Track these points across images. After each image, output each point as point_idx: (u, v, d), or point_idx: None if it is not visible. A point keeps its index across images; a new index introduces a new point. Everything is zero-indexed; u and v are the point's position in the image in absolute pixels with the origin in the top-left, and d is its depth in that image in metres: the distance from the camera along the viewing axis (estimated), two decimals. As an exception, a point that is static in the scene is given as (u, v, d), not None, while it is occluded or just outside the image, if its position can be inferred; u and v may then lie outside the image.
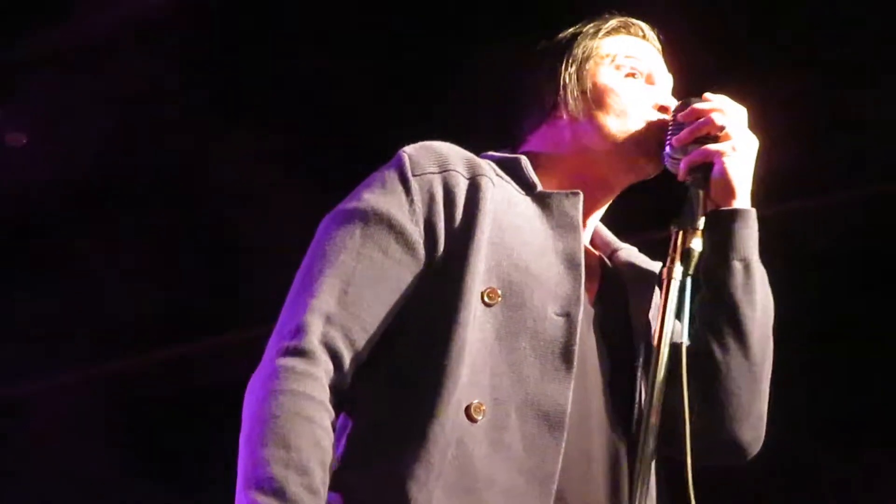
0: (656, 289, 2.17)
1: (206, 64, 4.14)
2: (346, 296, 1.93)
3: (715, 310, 2.04)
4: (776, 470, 4.11)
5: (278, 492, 1.79)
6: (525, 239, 2.02)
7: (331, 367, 1.91)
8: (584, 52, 2.19)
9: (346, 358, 1.92)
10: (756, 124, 2.12)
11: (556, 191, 2.10)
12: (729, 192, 2.05)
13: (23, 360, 5.02)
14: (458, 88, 3.84)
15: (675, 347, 1.94)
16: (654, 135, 2.13)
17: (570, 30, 2.24)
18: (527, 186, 2.11)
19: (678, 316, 1.95)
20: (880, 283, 4.30)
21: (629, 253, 2.23)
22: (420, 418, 1.87)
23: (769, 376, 2.08)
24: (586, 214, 2.13)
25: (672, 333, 1.96)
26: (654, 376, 1.91)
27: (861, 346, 4.29)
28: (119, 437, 5.09)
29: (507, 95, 2.27)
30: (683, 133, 2.08)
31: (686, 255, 1.97)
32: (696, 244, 1.98)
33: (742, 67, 3.72)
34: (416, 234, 1.98)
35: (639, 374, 2.08)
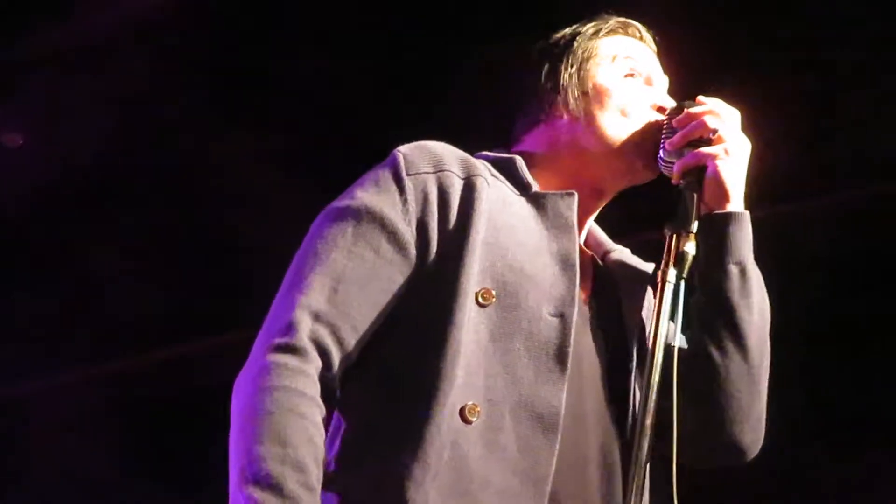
0: (649, 290, 2.17)
1: (205, 64, 4.14)
2: (335, 294, 1.93)
3: (712, 314, 2.04)
4: (776, 470, 4.11)
5: (276, 488, 1.78)
6: (520, 239, 2.02)
7: (320, 364, 1.90)
8: (583, 53, 2.19)
9: (335, 356, 1.92)
10: (753, 125, 2.12)
11: (551, 191, 2.10)
12: (722, 195, 2.05)
13: (23, 360, 5.02)
14: (458, 88, 3.84)
15: (668, 350, 1.94)
16: (651, 138, 2.14)
17: (569, 30, 2.24)
18: (521, 187, 2.11)
19: (672, 319, 1.95)
20: (880, 284, 4.30)
21: (622, 254, 2.23)
22: (415, 420, 1.87)
23: (767, 378, 2.08)
24: (581, 215, 2.13)
25: (666, 336, 1.95)
26: (649, 379, 1.90)
27: (861, 346, 4.29)
28: (119, 436, 5.09)
29: (505, 95, 2.26)
30: (677, 137, 2.09)
31: (680, 258, 1.97)
32: (690, 247, 1.98)
33: (740, 68, 3.72)
34: (409, 233, 1.97)
35: (633, 374, 2.08)
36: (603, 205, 2.22)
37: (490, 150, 2.19)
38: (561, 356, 1.96)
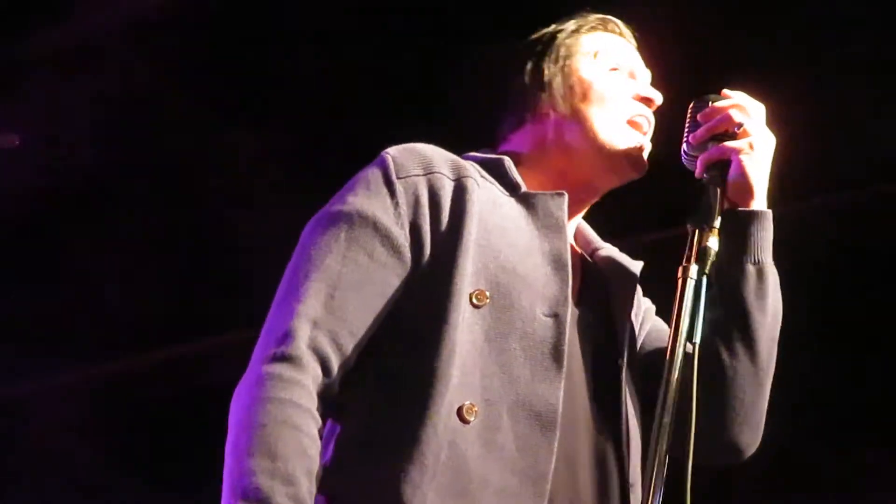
0: (638, 288, 2.18)
1: (205, 64, 4.14)
2: (332, 300, 1.92)
3: (726, 313, 2.03)
4: (776, 470, 4.11)
5: (264, 502, 1.77)
6: (511, 240, 2.02)
7: (319, 372, 1.89)
8: (566, 50, 2.19)
9: (334, 363, 1.91)
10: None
11: (540, 192, 2.09)
12: (746, 191, 2.03)
13: (23, 360, 5.02)
14: (457, 88, 3.84)
15: (688, 348, 1.91)
16: (635, 137, 2.14)
17: (549, 28, 2.24)
18: (511, 187, 2.10)
19: (693, 316, 1.91)
20: (880, 283, 4.30)
21: (610, 252, 2.22)
22: (412, 421, 1.86)
23: (771, 380, 2.08)
24: (570, 214, 2.12)
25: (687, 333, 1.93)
26: (669, 376, 1.87)
27: (861, 345, 4.29)
28: (118, 437, 5.10)
29: (490, 95, 2.26)
30: (701, 130, 2.07)
31: (702, 254, 1.94)
32: (713, 243, 1.95)
33: (739, 68, 3.72)
34: (402, 237, 1.97)
35: (623, 372, 2.07)
36: (591, 203, 2.22)
37: (478, 151, 2.19)
38: (557, 355, 1.96)
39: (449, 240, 1.97)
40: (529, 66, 2.20)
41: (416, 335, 1.93)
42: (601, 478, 1.99)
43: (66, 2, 4.02)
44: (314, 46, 4.06)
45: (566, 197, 2.08)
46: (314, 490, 1.84)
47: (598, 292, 2.12)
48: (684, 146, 2.09)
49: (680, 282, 1.93)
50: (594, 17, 2.25)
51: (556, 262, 2.02)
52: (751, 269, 2.02)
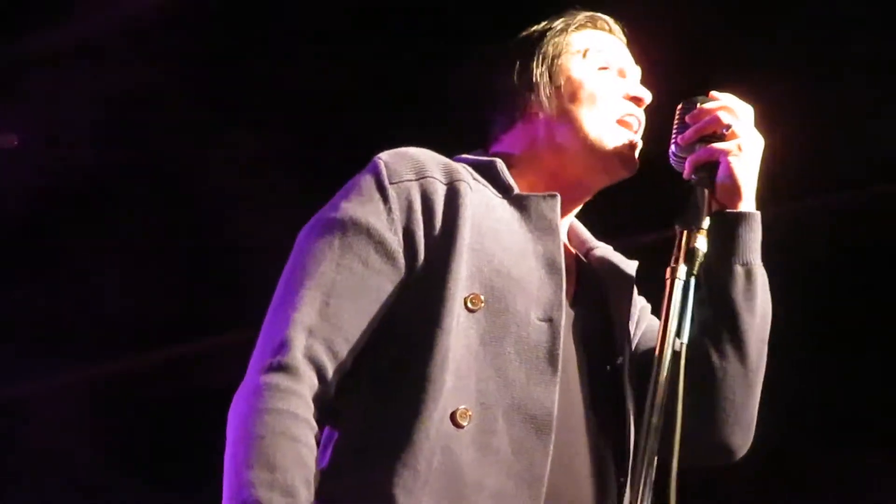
0: (634, 287, 2.18)
1: (205, 64, 4.14)
2: (327, 308, 1.92)
3: (714, 314, 2.03)
4: (776, 470, 4.11)
5: None
6: (505, 244, 2.01)
7: (315, 381, 1.90)
8: (554, 48, 2.19)
9: (330, 370, 1.91)
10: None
11: (533, 193, 2.09)
12: (735, 192, 2.04)
13: (23, 360, 5.02)
14: (457, 88, 3.84)
15: (675, 349, 1.92)
16: (626, 135, 2.14)
17: (538, 27, 2.23)
18: (503, 189, 2.10)
19: (681, 316, 1.92)
20: (880, 283, 4.30)
21: (605, 251, 2.22)
22: (405, 426, 1.86)
23: (761, 381, 2.07)
24: (562, 214, 2.11)
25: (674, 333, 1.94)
26: (657, 376, 1.88)
27: (861, 345, 4.29)
28: (118, 436, 5.09)
29: (480, 95, 2.25)
30: (689, 132, 2.07)
31: (690, 255, 1.95)
32: (701, 244, 1.96)
33: (738, 68, 3.72)
34: (396, 242, 1.97)
35: (621, 373, 2.07)
36: (583, 203, 2.21)
37: (469, 152, 2.18)
38: (551, 359, 1.95)
39: (442, 244, 1.96)
40: (518, 65, 2.19)
41: (410, 340, 1.92)
42: (600, 480, 1.99)
43: (66, 2, 4.02)
44: (314, 47, 4.06)
45: (559, 198, 2.08)
46: (312, 499, 1.84)
47: (593, 293, 2.12)
48: (672, 147, 2.10)
49: (668, 282, 1.94)
50: (583, 15, 2.24)
51: (550, 266, 2.02)
52: (739, 270, 2.03)
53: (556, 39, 2.20)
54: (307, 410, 1.87)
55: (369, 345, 1.95)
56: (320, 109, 4.19)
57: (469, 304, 1.94)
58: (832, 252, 4.26)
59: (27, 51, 4.12)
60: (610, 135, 2.13)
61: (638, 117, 2.18)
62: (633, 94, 2.17)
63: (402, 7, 3.94)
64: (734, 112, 2.06)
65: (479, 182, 2.08)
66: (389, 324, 1.95)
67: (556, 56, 2.18)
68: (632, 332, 2.17)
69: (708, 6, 3.76)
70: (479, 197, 2.04)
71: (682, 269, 1.94)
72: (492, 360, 1.94)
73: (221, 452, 1.89)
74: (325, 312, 1.92)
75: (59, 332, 4.98)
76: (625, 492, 2.00)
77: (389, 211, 1.97)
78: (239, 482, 1.81)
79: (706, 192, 2.02)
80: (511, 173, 2.12)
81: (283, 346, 1.89)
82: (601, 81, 2.16)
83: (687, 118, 2.09)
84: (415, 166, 2.02)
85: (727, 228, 2.03)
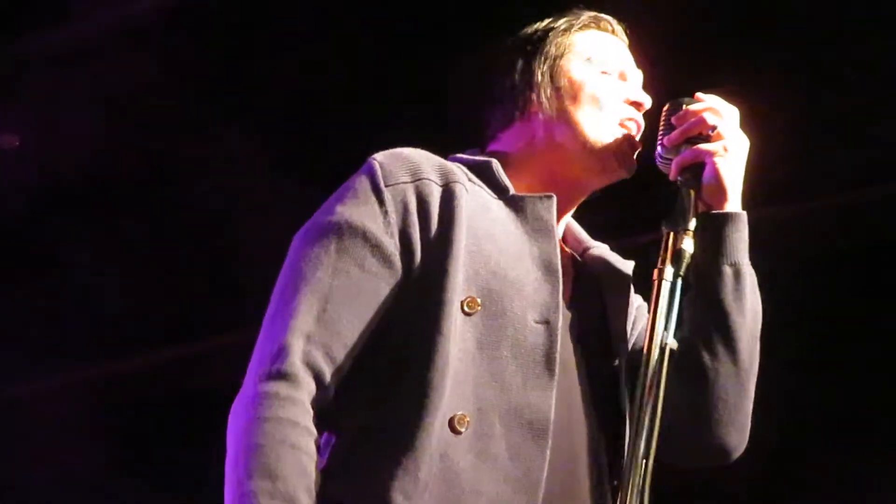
0: (631, 288, 2.17)
1: (205, 65, 4.14)
2: (324, 313, 1.91)
3: (704, 315, 2.03)
4: (776, 470, 4.11)
5: None
6: (501, 246, 2.00)
7: (314, 387, 1.89)
8: (557, 49, 2.18)
9: (329, 376, 1.90)
10: (750, 124, 2.11)
11: (529, 194, 2.08)
12: (721, 193, 2.04)
13: (23, 360, 5.02)
14: (455, 88, 3.84)
15: (662, 349, 1.92)
16: (625, 136, 2.14)
17: (541, 25, 2.22)
18: (499, 190, 2.09)
19: (668, 317, 1.93)
20: (880, 283, 4.30)
21: (601, 251, 2.21)
22: (406, 433, 1.85)
23: (755, 380, 2.07)
24: (559, 214, 2.11)
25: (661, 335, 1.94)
26: (644, 378, 1.89)
27: (861, 345, 4.29)
28: (118, 437, 5.09)
29: (479, 93, 2.24)
30: (675, 133, 2.08)
31: (677, 256, 1.96)
32: (688, 245, 1.97)
33: (738, 67, 3.72)
34: (392, 245, 1.96)
35: (619, 374, 2.07)
36: (580, 202, 2.21)
37: (465, 151, 2.18)
38: (548, 362, 1.95)
39: (438, 247, 1.95)
40: (520, 64, 2.18)
41: (408, 345, 1.91)
42: (598, 484, 1.99)
43: (66, 1, 4.02)
44: (314, 47, 4.05)
45: (554, 199, 2.07)
46: None
47: (591, 294, 2.12)
48: (659, 149, 2.10)
49: (655, 284, 1.94)
50: (587, 15, 2.23)
51: (547, 267, 2.01)
52: (727, 270, 2.03)
53: (560, 39, 2.19)
54: (307, 417, 1.86)
55: (368, 349, 1.93)
56: (320, 109, 4.19)
57: (465, 308, 1.94)
58: (833, 252, 4.26)
59: (27, 51, 4.12)
60: (610, 136, 2.13)
61: (638, 121, 2.18)
62: (633, 98, 2.17)
63: (404, 7, 3.94)
64: (719, 113, 2.07)
65: (474, 183, 2.07)
66: (387, 327, 1.94)
67: (558, 56, 2.17)
68: (629, 332, 2.17)
69: (708, 4, 3.76)
70: (474, 198, 2.03)
71: (668, 271, 1.95)
72: (488, 364, 1.93)
73: (221, 453, 1.89)
74: (323, 318, 1.91)
75: (59, 332, 4.98)
76: (627, 493, 2.00)
77: (385, 214, 1.97)
78: (240, 492, 1.80)
79: (692, 193, 2.03)
80: (508, 172, 2.11)
81: (280, 353, 1.88)
82: (603, 84, 2.16)
83: (673, 120, 2.09)
84: (410, 168, 2.01)
85: (714, 229, 2.03)
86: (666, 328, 1.91)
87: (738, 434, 2.07)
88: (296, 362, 1.87)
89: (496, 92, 2.21)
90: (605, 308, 2.11)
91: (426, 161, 2.04)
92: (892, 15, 3.75)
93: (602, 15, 2.25)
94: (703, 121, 2.06)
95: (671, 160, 2.08)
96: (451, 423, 1.88)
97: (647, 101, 2.19)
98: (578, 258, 2.19)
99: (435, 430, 1.85)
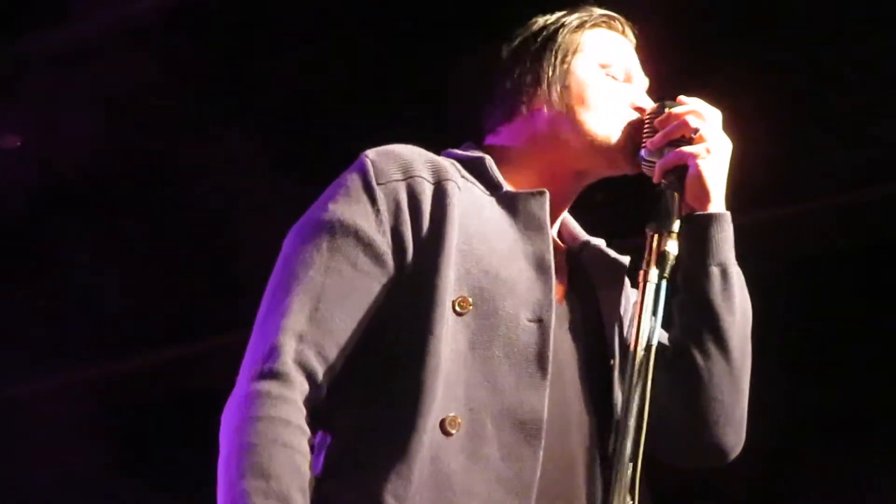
0: (626, 282, 2.16)
1: (205, 65, 4.15)
2: (317, 312, 1.90)
3: (694, 316, 2.03)
4: (776, 470, 4.11)
5: None
6: (493, 244, 1.99)
7: (306, 386, 1.88)
8: (566, 46, 2.17)
9: (322, 376, 1.89)
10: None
11: (521, 191, 2.08)
12: (704, 195, 2.04)
13: (23, 360, 5.02)
14: (455, 88, 3.84)
15: (648, 350, 1.92)
16: (629, 136, 2.13)
17: (551, 20, 2.21)
18: (492, 186, 2.08)
19: (653, 319, 1.92)
20: (880, 283, 4.30)
21: (597, 246, 2.20)
22: (398, 435, 1.85)
23: (749, 379, 2.07)
24: (554, 210, 2.10)
25: (647, 336, 1.93)
26: (630, 379, 1.88)
27: (861, 345, 4.30)
28: (118, 436, 5.10)
29: (480, 86, 2.22)
30: (658, 136, 2.08)
31: (662, 258, 1.96)
32: (672, 247, 1.97)
33: (737, 68, 3.72)
34: (384, 244, 1.95)
35: (614, 372, 2.06)
36: (576, 196, 2.20)
37: (460, 146, 2.17)
38: (541, 361, 1.94)
39: (430, 246, 1.94)
40: (528, 60, 2.17)
41: (400, 345, 1.90)
42: (592, 484, 1.98)
43: (66, 1, 4.02)
44: (314, 47, 4.06)
45: (547, 195, 2.06)
46: None
47: (586, 289, 2.11)
48: (642, 152, 2.11)
49: (640, 286, 1.94)
50: (598, 14, 2.23)
51: (539, 265, 2.00)
52: (714, 270, 2.03)
53: (570, 37, 2.18)
54: (300, 416, 1.86)
55: (360, 348, 1.93)
56: (320, 109, 4.19)
57: (457, 308, 1.92)
58: (833, 252, 4.26)
59: (27, 51, 4.12)
60: (615, 134, 2.13)
61: None
62: (638, 104, 2.16)
63: (402, 7, 3.94)
64: (702, 116, 2.07)
65: (466, 179, 2.06)
66: (380, 326, 1.93)
67: (566, 54, 2.16)
68: (625, 328, 2.16)
69: (707, 4, 3.76)
70: (467, 196, 2.02)
71: (653, 273, 1.95)
72: (480, 364, 1.92)
73: (218, 455, 1.89)
74: (315, 317, 1.90)
75: (59, 332, 4.98)
76: (613, 493, 2.00)
77: (377, 212, 1.95)
78: (234, 492, 1.79)
79: (676, 195, 2.03)
80: (506, 167, 2.11)
81: (273, 352, 1.87)
82: (610, 88, 2.16)
83: (655, 123, 2.10)
84: (402, 165, 2.00)
85: (698, 230, 2.03)
86: (651, 330, 1.91)
87: (734, 433, 2.07)
88: (288, 361, 1.87)
89: (500, 86, 2.19)
90: (600, 304, 2.10)
91: (418, 158, 2.03)
92: (892, 15, 3.75)
93: (613, 14, 2.24)
94: (685, 123, 2.06)
95: (654, 163, 2.08)
96: (442, 425, 1.87)
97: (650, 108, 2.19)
98: (573, 254, 2.18)
99: (426, 433, 1.85)
